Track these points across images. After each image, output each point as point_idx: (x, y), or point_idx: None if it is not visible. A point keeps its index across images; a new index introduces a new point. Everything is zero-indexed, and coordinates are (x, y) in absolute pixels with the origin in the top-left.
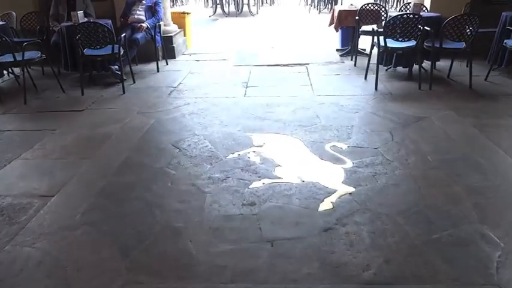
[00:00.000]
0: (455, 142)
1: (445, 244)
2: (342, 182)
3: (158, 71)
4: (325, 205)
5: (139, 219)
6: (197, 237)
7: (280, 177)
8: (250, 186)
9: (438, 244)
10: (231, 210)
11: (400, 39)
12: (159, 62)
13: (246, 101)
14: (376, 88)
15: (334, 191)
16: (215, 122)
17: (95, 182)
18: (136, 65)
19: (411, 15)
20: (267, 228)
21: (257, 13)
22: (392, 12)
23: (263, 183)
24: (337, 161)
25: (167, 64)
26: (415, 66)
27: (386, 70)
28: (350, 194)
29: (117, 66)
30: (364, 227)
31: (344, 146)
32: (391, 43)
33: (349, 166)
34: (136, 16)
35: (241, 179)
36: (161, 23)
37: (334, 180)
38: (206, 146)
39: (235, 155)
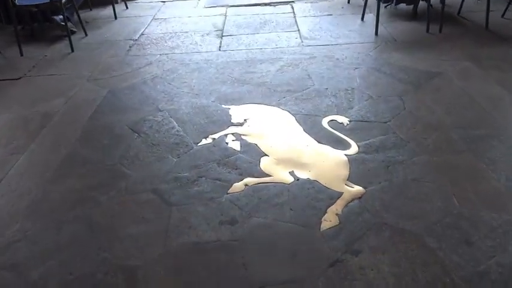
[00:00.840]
0: (482, 109)
1: (496, 282)
2: (348, 179)
3: (116, 18)
4: (329, 219)
5: (78, 256)
6: (157, 285)
7: (267, 174)
8: (229, 192)
9: (487, 282)
10: (205, 235)
11: None
12: (115, 5)
13: (221, 56)
14: (376, 33)
15: (339, 195)
16: (184, 89)
17: (24, 195)
18: (90, 9)
19: None
20: (254, 265)
21: None
22: None
23: (246, 185)
24: (338, 144)
25: (127, 8)
26: (421, 3)
27: (385, 7)
28: (359, 198)
29: (61, 17)
30: (384, 256)
31: (345, 121)
32: None
33: (354, 152)
34: None
35: (218, 180)
36: None
37: (337, 176)
38: (172, 128)
39: (209, 140)
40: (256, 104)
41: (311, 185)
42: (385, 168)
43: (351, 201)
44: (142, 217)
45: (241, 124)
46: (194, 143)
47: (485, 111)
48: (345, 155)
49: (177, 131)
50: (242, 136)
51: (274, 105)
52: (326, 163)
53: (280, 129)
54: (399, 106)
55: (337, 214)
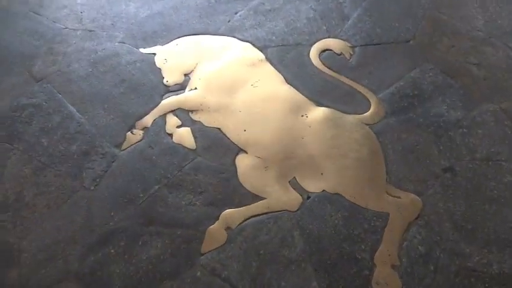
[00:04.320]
0: None
1: None
2: (390, 182)
3: None
4: (384, 281)
5: None
6: None
7: (255, 196)
8: (203, 252)
9: None
10: None
11: None
12: None
13: None
14: None
15: (385, 219)
16: (67, 22)
17: None
18: None
19: None
20: None
21: None
22: None
23: (228, 229)
24: (348, 99)
25: None
26: None
27: None
28: (417, 217)
29: None
30: None
31: (346, 49)
32: None
33: (377, 114)
34: None
35: (174, 229)
36: None
37: (371, 178)
38: (68, 119)
39: (138, 134)
40: (196, 36)
41: (334, 208)
42: (435, 140)
43: (407, 226)
44: None
45: (182, 87)
46: (114, 146)
47: None
48: (366, 124)
49: (78, 124)
50: (191, 114)
51: (224, 34)
52: (346, 151)
53: (250, 85)
54: (418, 2)
55: (393, 266)
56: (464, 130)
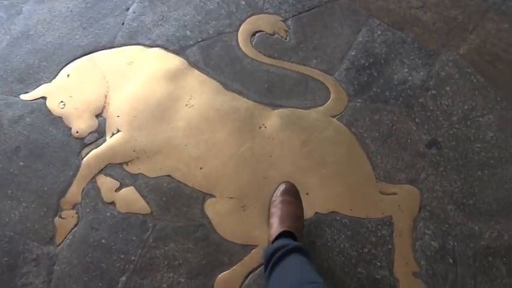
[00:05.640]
0: None
1: None
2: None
3: None
4: None
5: None
6: None
7: (245, 243)
8: None
9: None
10: None
11: None
12: None
13: None
14: None
15: (389, 236)
16: None
17: None
18: None
19: None
20: None
21: None
22: None
23: None
24: (303, 91)
25: None
26: None
27: None
28: (419, 209)
29: None
30: None
31: (281, 27)
32: None
33: (339, 102)
34: None
35: None
36: None
37: (360, 182)
38: None
39: (69, 216)
40: (89, 56)
41: (334, 230)
42: (408, 112)
43: (413, 224)
44: None
45: (100, 133)
46: (45, 244)
47: None
48: (333, 116)
49: None
50: (127, 167)
51: (124, 43)
52: (323, 157)
53: (184, 107)
54: None
55: (415, 273)
56: (433, 92)
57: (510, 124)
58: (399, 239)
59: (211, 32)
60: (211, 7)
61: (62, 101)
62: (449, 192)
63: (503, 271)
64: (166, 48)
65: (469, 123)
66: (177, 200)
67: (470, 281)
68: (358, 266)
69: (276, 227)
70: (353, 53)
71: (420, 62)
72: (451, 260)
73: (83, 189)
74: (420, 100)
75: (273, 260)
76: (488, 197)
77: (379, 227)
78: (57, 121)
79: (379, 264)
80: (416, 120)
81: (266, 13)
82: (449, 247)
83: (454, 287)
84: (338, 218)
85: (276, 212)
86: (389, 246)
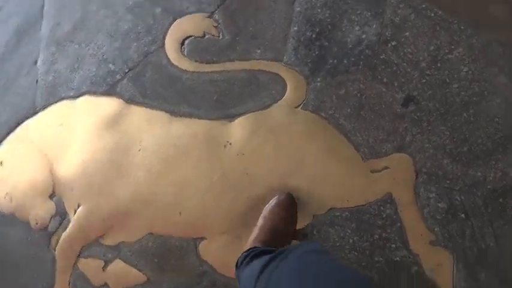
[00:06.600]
0: None
1: None
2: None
3: None
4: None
5: None
6: None
7: None
8: None
9: None
10: None
11: None
12: None
13: None
14: None
15: (395, 213)
16: None
17: None
18: None
19: None
20: None
21: None
22: None
23: None
24: (256, 89)
25: None
26: None
27: None
28: (416, 175)
29: None
30: None
31: (210, 25)
32: None
33: (299, 85)
34: None
35: None
36: None
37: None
38: None
39: None
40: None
41: (338, 227)
42: (373, 75)
43: (414, 193)
44: None
45: (62, 214)
46: None
47: None
48: (297, 107)
49: None
50: (104, 241)
51: (47, 101)
52: (302, 155)
53: (137, 152)
54: None
55: (432, 242)
56: (393, 43)
57: (482, 52)
58: (406, 213)
59: (136, 57)
60: (126, 27)
61: (6, 194)
62: (440, 146)
63: None
64: (94, 93)
65: (439, 65)
66: (169, 257)
67: (488, 230)
68: (374, 256)
69: (250, 241)
70: (295, 28)
71: (369, 13)
72: (463, 215)
73: (69, 282)
74: (382, 57)
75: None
76: (481, 137)
77: (382, 208)
78: (11, 219)
79: (394, 246)
80: (384, 80)
81: (188, 14)
82: (457, 203)
83: (475, 241)
84: (338, 213)
85: (260, 224)
86: (398, 224)
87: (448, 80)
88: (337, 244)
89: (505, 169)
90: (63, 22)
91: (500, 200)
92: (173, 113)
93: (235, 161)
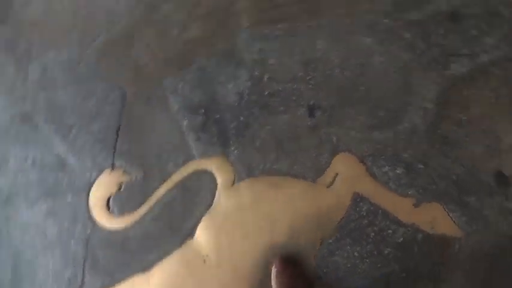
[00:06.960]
0: None
1: None
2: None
3: None
4: None
5: None
6: None
7: None
8: None
9: None
10: None
11: None
12: None
13: None
14: None
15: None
16: None
17: None
18: None
19: None
20: None
21: None
22: None
23: None
24: (189, 200)
25: None
26: None
27: None
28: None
29: None
30: None
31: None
32: None
33: (224, 169)
34: None
35: None
36: None
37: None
38: None
39: None
40: None
41: (348, 241)
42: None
43: (370, 174)
44: None
45: None
46: None
47: None
48: (233, 185)
49: None
50: None
51: None
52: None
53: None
54: None
55: (415, 205)
56: (266, 76)
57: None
58: (378, 197)
59: (80, 250)
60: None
61: None
62: (361, 126)
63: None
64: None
65: (313, 65)
66: None
67: (448, 162)
68: (383, 251)
69: None
70: (186, 122)
71: (231, 68)
72: (421, 166)
73: None
74: (266, 93)
75: None
76: (386, 96)
77: (358, 208)
78: None
79: (390, 231)
80: (281, 109)
81: (93, 182)
82: (409, 159)
83: (444, 178)
84: (330, 241)
85: None
86: (380, 211)
87: (329, 73)
88: (348, 265)
89: (424, 104)
90: None
91: (439, 131)
92: (145, 269)
93: (221, 264)
